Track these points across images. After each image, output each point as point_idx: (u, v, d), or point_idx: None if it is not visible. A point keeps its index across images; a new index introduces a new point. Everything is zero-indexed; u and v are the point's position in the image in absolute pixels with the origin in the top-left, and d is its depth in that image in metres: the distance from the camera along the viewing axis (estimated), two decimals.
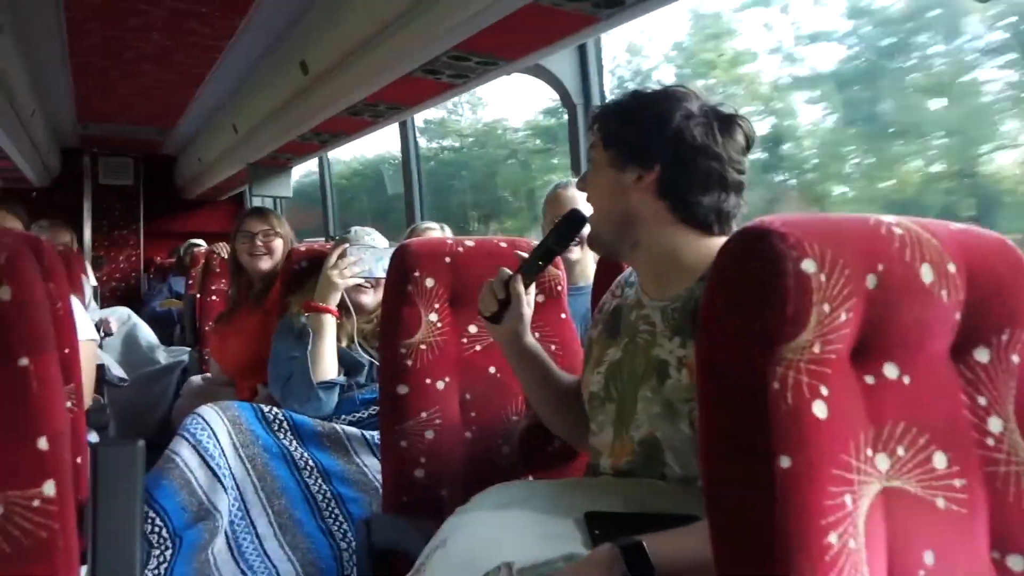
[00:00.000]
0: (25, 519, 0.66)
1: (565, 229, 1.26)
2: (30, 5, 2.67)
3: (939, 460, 0.69)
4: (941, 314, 0.70)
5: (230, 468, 1.84)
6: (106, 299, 5.60)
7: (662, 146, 1.12)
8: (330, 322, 1.99)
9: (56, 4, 2.66)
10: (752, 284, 0.64)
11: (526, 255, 1.29)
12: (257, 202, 5.11)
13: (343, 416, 1.98)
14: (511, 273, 1.27)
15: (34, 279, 0.70)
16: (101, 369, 2.72)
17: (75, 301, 1.81)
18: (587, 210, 1.23)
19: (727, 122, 1.13)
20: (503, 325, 1.29)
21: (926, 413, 0.70)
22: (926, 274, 0.68)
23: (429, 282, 1.48)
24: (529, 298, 1.29)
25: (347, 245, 2.04)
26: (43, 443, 0.67)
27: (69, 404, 1.37)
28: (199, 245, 5.27)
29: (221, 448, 1.84)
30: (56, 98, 4.12)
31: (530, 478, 1.48)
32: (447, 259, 1.51)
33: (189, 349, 3.93)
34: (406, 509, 1.42)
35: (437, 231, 2.73)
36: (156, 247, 6.15)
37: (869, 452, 0.66)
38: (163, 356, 3.82)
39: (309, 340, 1.96)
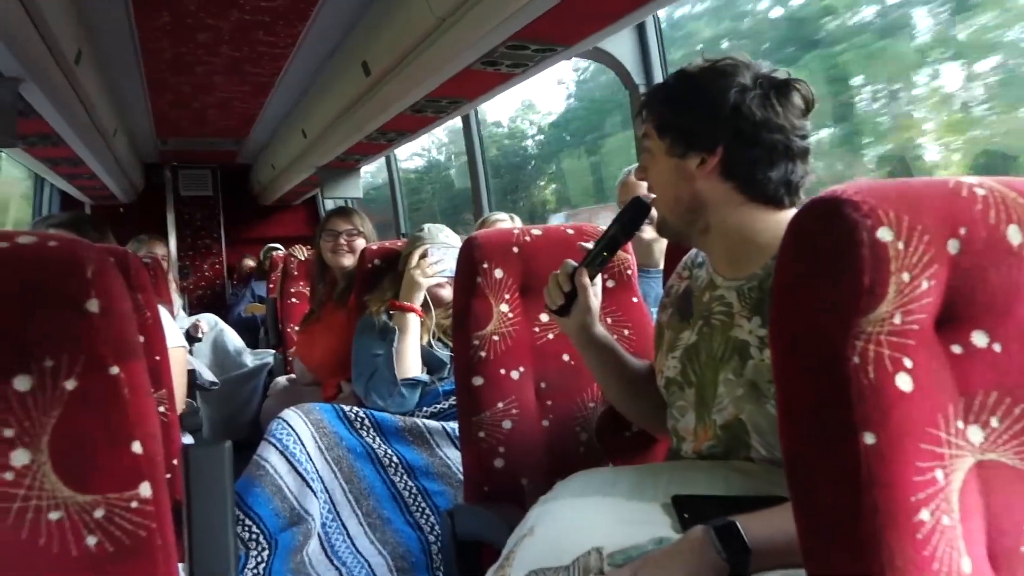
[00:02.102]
0: (124, 519, 0.69)
1: (629, 218, 1.23)
2: (105, 30, 2.79)
3: None
4: None
5: (318, 472, 1.89)
6: (193, 306, 5.82)
7: (722, 127, 1.08)
8: (414, 320, 2.03)
9: (129, 26, 2.77)
10: (825, 255, 0.62)
11: (590, 246, 1.26)
12: (329, 204, 5.22)
13: (425, 408, 2.01)
14: (576, 265, 1.25)
15: (121, 291, 0.73)
16: (192, 374, 2.84)
17: (163, 311, 1.90)
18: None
19: (783, 88, 1.09)
20: (571, 318, 1.27)
21: (1021, 381, 0.66)
22: (1013, 235, 0.65)
23: (498, 273, 1.49)
24: (596, 288, 1.28)
25: (428, 245, 2.07)
26: (137, 447, 0.70)
27: (162, 409, 1.44)
28: (278, 249, 5.43)
29: (307, 453, 1.89)
30: (135, 116, 4.29)
31: (610, 464, 1.48)
32: (515, 249, 1.51)
33: (273, 351, 4.06)
34: (488, 499, 1.43)
35: (507, 221, 2.73)
36: (237, 253, 6.36)
37: (960, 424, 0.63)
38: (250, 359, 3.96)
39: (393, 337, 2.00)
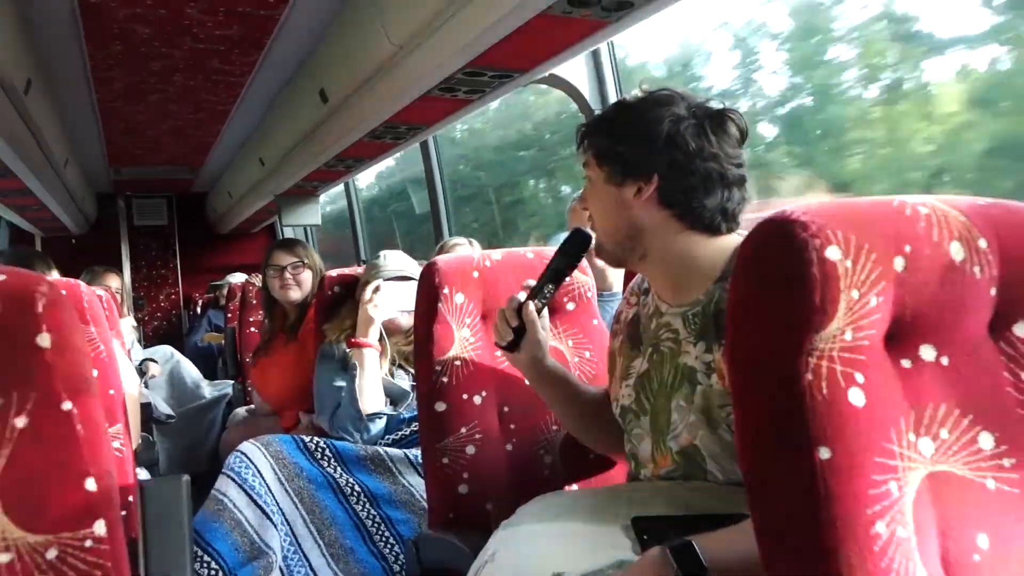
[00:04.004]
0: (78, 559, 0.67)
1: (571, 249, 1.23)
2: (55, 58, 2.75)
3: (985, 440, 0.68)
4: (975, 291, 0.69)
5: (278, 504, 1.86)
6: (148, 338, 5.72)
7: (657, 156, 1.09)
8: (372, 356, 2.01)
9: (81, 55, 2.73)
10: (777, 275, 0.63)
11: (533, 283, 1.26)
12: (288, 232, 5.18)
13: (387, 436, 1.99)
14: (521, 300, 1.25)
15: (73, 325, 0.71)
16: (148, 408, 2.78)
17: (117, 344, 1.86)
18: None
19: (718, 118, 1.10)
20: (521, 352, 1.27)
21: (968, 393, 0.69)
22: (956, 252, 0.67)
23: (459, 298, 1.49)
24: (544, 321, 1.28)
25: (380, 281, 2.06)
26: (91, 484, 0.69)
27: (117, 444, 1.41)
28: (220, 286, 5.35)
29: (267, 485, 1.86)
30: (87, 146, 4.22)
31: (573, 487, 1.48)
32: (475, 274, 1.51)
33: (232, 382, 3.99)
34: (453, 526, 1.42)
35: (465, 246, 2.73)
36: (194, 283, 6.27)
37: (912, 437, 0.65)
38: (208, 390, 3.88)
39: (354, 370, 1.98)
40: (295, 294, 2.63)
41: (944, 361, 0.68)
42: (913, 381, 0.66)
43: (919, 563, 0.61)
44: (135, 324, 4.03)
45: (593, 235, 1.20)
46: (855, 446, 0.61)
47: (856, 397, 0.62)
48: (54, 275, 2.29)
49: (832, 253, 0.62)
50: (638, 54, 2.92)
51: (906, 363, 0.67)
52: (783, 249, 0.63)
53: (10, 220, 5.11)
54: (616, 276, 2.18)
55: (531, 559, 1.02)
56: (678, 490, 1.08)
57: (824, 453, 0.60)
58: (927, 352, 0.68)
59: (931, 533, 0.64)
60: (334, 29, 2.55)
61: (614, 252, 1.18)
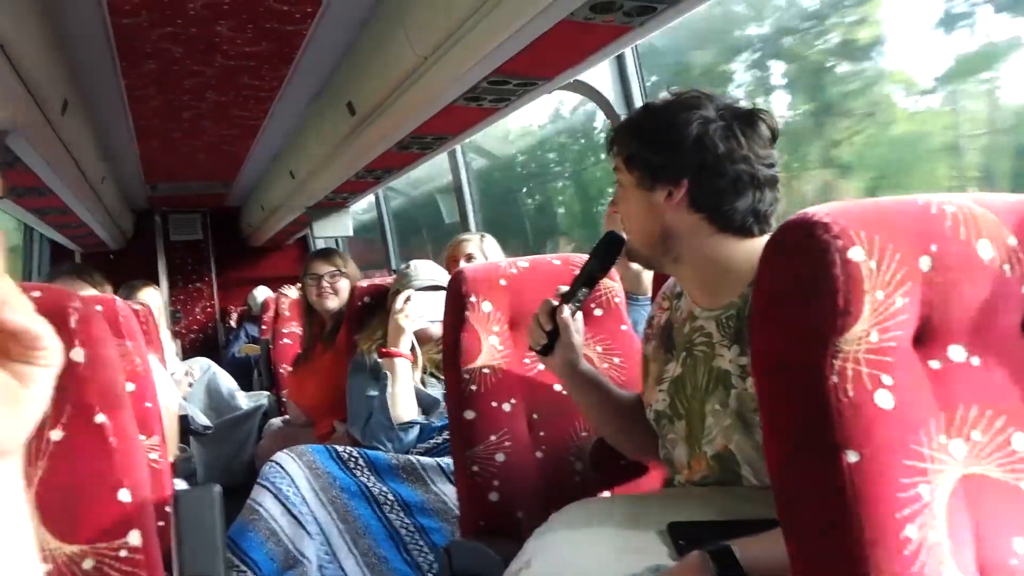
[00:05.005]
0: (114, 569, 0.69)
1: (605, 252, 1.24)
2: (91, 78, 2.82)
3: (1019, 442, 0.66)
4: (1005, 290, 0.67)
5: (313, 514, 1.88)
6: (186, 351, 5.80)
7: (686, 160, 1.09)
8: (404, 365, 2.02)
9: (115, 75, 2.79)
10: (799, 278, 0.63)
11: (565, 289, 1.27)
12: (320, 243, 5.23)
13: (419, 444, 2.00)
14: (555, 304, 1.26)
15: (106, 339, 0.73)
16: (185, 420, 2.82)
17: (154, 357, 1.89)
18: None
19: (747, 119, 1.10)
20: (555, 356, 1.28)
21: (1001, 394, 0.67)
22: (984, 250, 0.66)
23: (486, 306, 1.49)
24: (578, 324, 1.28)
25: (411, 291, 2.07)
26: (125, 495, 0.70)
27: (154, 456, 1.43)
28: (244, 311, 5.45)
29: (302, 495, 1.88)
30: (124, 163, 4.31)
31: (606, 493, 1.47)
32: (502, 281, 1.52)
33: (267, 393, 4.04)
34: (484, 533, 1.42)
35: (475, 240, 2.70)
36: (229, 296, 6.36)
37: (942, 439, 0.63)
38: (244, 401, 3.93)
39: (386, 380, 2.00)
40: (332, 302, 2.69)
41: (975, 361, 0.67)
42: (943, 382, 0.65)
43: (952, 568, 0.60)
44: (171, 337, 4.10)
45: (626, 238, 1.20)
46: (883, 449, 0.60)
47: (884, 399, 0.61)
48: (107, 290, 2.35)
49: (855, 254, 0.61)
50: None
51: (935, 364, 0.65)
52: (805, 251, 0.62)
53: (51, 237, 5.23)
54: (648, 279, 2.17)
55: (566, 566, 1.02)
56: (713, 495, 1.07)
57: (851, 456, 0.59)
58: (957, 353, 0.66)
59: (966, 537, 0.62)
60: (360, 43, 2.58)
61: (647, 256, 1.19)
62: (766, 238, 1.11)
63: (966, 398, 0.66)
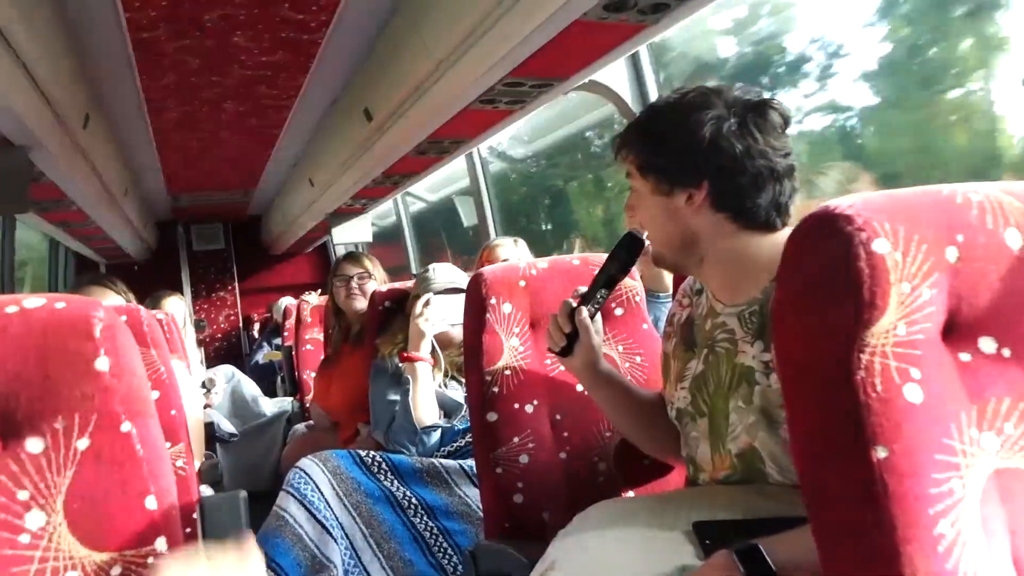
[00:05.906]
0: None
1: (624, 253, 1.21)
2: (111, 92, 2.86)
3: None
4: None
5: (337, 519, 1.89)
6: (211, 359, 5.86)
7: (703, 162, 1.07)
8: (425, 369, 2.02)
9: (135, 88, 2.83)
10: (823, 271, 0.62)
11: (584, 290, 1.25)
12: (340, 250, 5.26)
13: (442, 448, 2.00)
14: (575, 305, 1.24)
15: (131, 348, 0.74)
16: (211, 427, 2.85)
17: (179, 365, 1.91)
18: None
19: (760, 111, 1.08)
20: (575, 357, 1.26)
21: None
22: (1013, 239, 0.64)
23: (507, 308, 1.49)
24: (597, 325, 1.27)
25: (430, 294, 2.07)
26: (151, 502, 0.71)
27: (180, 463, 1.44)
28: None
29: (326, 500, 1.89)
30: (146, 175, 4.36)
31: (630, 493, 1.46)
32: (522, 283, 1.51)
33: (291, 399, 4.06)
34: (509, 535, 1.42)
35: (509, 245, 2.72)
36: (252, 304, 6.42)
37: (974, 433, 0.62)
38: (268, 407, 3.96)
39: (407, 385, 2.00)
40: (360, 304, 2.72)
41: (1006, 353, 0.65)
42: (973, 375, 0.64)
43: (988, 563, 0.59)
44: (196, 345, 4.14)
45: (646, 238, 1.18)
46: (913, 444, 0.59)
47: (913, 393, 0.60)
48: (131, 297, 2.39)
49: (880, 246, 0.60)
50: None
51: (965, 356, 0.64)
52: (829, 244, 0.61)
53: (75, 250, 5.31)
54: (670, 276, 2.15)
55: (593, 567, 1.02)
56: (738, 493, 1.06)
57: (880, 452, 0.58)
58: (987, 344, 0.65)
59: (1001, 532, 0.61)
60: (376, 49, 2.59)
61: (673, 260, 1.17)
62: (788, 231, 1.10)
63: (998, 390, 0.64)
